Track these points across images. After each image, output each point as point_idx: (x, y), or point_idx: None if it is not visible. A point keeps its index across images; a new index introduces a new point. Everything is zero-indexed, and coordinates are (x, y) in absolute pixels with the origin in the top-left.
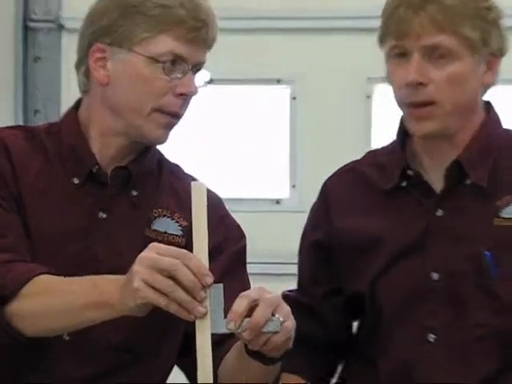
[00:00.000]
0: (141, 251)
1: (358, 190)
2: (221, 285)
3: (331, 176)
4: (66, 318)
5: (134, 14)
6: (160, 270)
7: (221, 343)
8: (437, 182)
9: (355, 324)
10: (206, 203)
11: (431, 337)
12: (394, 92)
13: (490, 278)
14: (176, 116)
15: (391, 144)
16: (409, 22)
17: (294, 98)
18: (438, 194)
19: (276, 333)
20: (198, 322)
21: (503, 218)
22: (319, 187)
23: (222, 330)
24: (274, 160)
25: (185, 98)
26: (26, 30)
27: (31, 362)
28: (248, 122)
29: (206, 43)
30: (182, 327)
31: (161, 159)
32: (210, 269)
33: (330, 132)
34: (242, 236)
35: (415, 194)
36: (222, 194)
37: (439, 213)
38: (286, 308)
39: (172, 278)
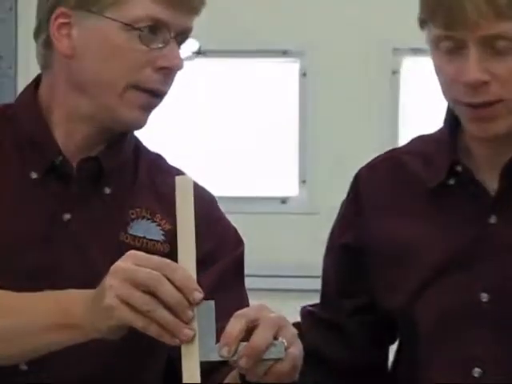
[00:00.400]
0: (115, 261)
1: (397, 186)
2: (212, 302)
3: (365, 166)
4: (22, 343)
5: None
6: (137, 284)
7: (212, 372)
8: (492, 183)
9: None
10: (192, 202)
11: (476, 371)
12: (444, 88)
13: None
14: (156, 94)
15: (439, 130)
16: (464, 7)
17: (303, 74)
18: (493, 196)
19: (279, 360)
20: (184, 347)
21: None
22: (335, 183)
23: (214, 356)
24: (279, 150)
25: (166, 72)
26: None
27: None
28: (249, 104)
29: (192, 6)
30: (165, 352)
31: (138, 148)
32: (200, 282)
33: (348, 115)
34: (239, 242)
35: (465, 195)
36: (217, 191)
37: (493, 219)
38: (292, 330)
39: (152, 293)
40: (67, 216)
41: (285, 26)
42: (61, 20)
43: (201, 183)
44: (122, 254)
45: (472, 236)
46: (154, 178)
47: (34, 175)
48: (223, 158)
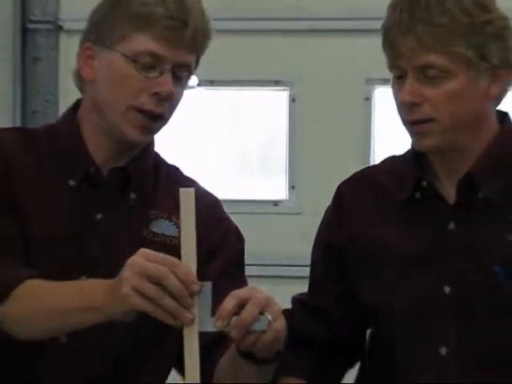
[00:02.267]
0: (132, 254)
1: (373, 198)
2: (209, 283)
3: (346, 180)
4: (55, 322)
5: (118, 11)
6: (148, 276)
7: (217, 344)
8: (450, 195)
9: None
10: (194, 210)
11: (443, 350)
12: (397, 108)
13: (501, 292)
14: (154, 117)
15: (407, 151)
16: (399, 44)
17: (293, 100)
18: (451, 207)
19: (264, 332)
20: (185, 329)
21: None
22: (318, 189)
23: (210, 328)
24: (273, 162)
25: (160, 97)
26: (25, 31)
27: (27, 364)
28: (248, 124)
29: (187, 44)
30: (175, 332)
31: (158, 160)
32: (208, 269)
33: (330, 134)
34: (240, 239)
35: (429, 205)
36: (221, 195)
37: (451, 226)
38: (277, 308)
39: (160, 284)
40: (99, 216)
41: (277, 61)
42: (87, 53)
43: (208, 188)
44: (144, 247)
45: (435, 239)
46: (171, 186)
47: (71, 183)
48: (225, 167)
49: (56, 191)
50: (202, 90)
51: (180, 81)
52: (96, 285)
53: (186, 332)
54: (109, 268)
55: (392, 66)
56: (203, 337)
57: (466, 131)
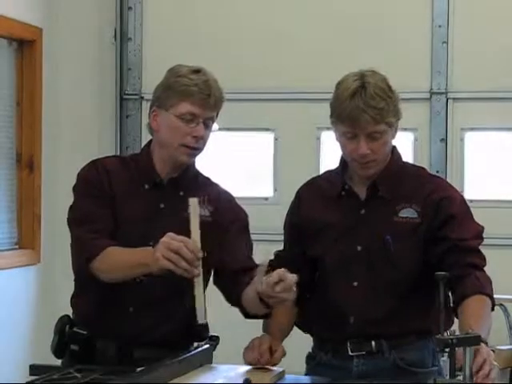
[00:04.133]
0: (185, 228)
1: (317, 195)
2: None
3: (302, 186)
4: (124, 271)
5: (170, 90)
6: (171, 249)
7: (244, 272)
8: (362, 194)
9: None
10: (198, 212)
11: (355, 283)
12: (345, 154)
13: (389, 251)
14: (194, 149)
15: (336, 168)
16: (359, 119)
17: (276, 139)
18: (362, 200)
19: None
20: (195, 279)
21: (399, 216)
22: (289, 192)
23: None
24: (264, 177)
25: (197, 139)
26: (122, 100)
27: (111, 300)
28: (245, 157)
29: (211, 106)
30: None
31: (197, 172)
32: (226, 237)
33: (296, 159)
34: (246, 215)
35: (349, 199)
36: (234, 191)
37: (362, 211)
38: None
39: (179, 253)
40: (162, 205)
41: (267, 116)
42: (154, 113)
43: (226, 188)
44: (187, 224)
45: (353, 219)
46: (205, 187)
47: (146, 186)
48: (230, 177)
49: (138, 192)
50: (224, 133)
51: (208, 127)
52: (148, 251)
53: (195, 281)
54: (162, 234)
55: (346, 131)
56: (234, 265)
57: (384, 162)
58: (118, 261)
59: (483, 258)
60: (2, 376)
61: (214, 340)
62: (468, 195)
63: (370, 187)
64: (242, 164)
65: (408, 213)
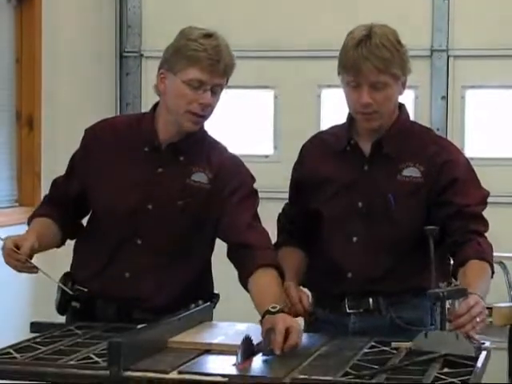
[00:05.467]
0: (183, 194)
1: (321, 150)
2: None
3: (308, 141)
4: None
5: (179, 53)
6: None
7: (244, 249)
8: (367, 150)
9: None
10: None
11: (355, 239)
12: (350, 105)
13: (391, 208)
14: (200, 116)
15: (342, 123)
16: (362, 68)
17: (276, 97)
18: (367, 157)
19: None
20: (39, 273)
21: (403, 175)
22: (290, 149)
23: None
24: (265, 134)
25: (203, 106)
26: (122, 57)
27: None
28: (246, 115)
29: (220, 73)
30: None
31: (204, 136)
32: (231, 201)
33: (296, 117)
34: (251, 181)
35: (353, 154)
36: (234, 151)
37: (366, 168)
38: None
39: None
40: (160, 170)
41: (267, 75)
42: (162, 76)
43: (232, 151)
44: (186, 190)
45: (355, 175)
46: (208, 152)
47: (146, 149)
48: (233, 135)
49: (138, 154)
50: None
51: (215, 94)
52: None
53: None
54: (164, 200)
55: (350, 80)
56: (232, 239)
57: (389, 117)
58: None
59: (486, 224)
60: (4, 333)
61: (214, 298)
62: (468, 153)
63: (374, 144)
64: (242, 122)
65: (411, 172)
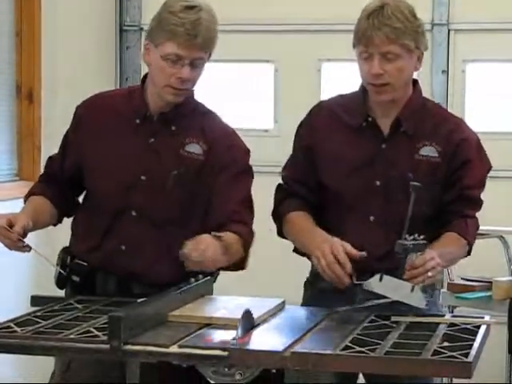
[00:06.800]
0: (176, 164)
1: (334, 124)
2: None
3: (314, 110)
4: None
5: (159, 26)
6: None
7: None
8: (385, 127)
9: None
10: None
11: (372, 218)
12: (362, 77)
13: (408, 188)
14: (179, 89)
15: (353, 94)
16: (372, 37)
17: (276, 70)
18: (385, 135)
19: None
20: (32, 252)
21: (420, 154)
22: (289, 123)
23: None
24: (265, 108)
25: (182, 80)
26: (122, 31)
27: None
28: (246, 89)
29: (198, 48)
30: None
31: (196, 106)
32: (219, 179)
33: (297, 91)
34: (245, 155)
35: (371, 132)
36: (233, 125)
37: (383, 146)
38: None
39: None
40: (152, 139)
41: (267, 48)
42: (146, 47)
43: (226, 121)
44: (179, 160)
45: (373, 153)
46: (202, 122)
47: (137, 121)
48: (234, 108)
49: (129, 126)
50: (224, 64)
51: (196, 67)
52: (24, 212)
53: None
54: (157, 170)
55: (362, 51)
56: (212, 221)
57: (402, 91)
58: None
59: (481, 205)
60: (5, 307)
61: (215, 272)
62: None
63: (393, 122)
64: (242, 96)
65: (429, 151)
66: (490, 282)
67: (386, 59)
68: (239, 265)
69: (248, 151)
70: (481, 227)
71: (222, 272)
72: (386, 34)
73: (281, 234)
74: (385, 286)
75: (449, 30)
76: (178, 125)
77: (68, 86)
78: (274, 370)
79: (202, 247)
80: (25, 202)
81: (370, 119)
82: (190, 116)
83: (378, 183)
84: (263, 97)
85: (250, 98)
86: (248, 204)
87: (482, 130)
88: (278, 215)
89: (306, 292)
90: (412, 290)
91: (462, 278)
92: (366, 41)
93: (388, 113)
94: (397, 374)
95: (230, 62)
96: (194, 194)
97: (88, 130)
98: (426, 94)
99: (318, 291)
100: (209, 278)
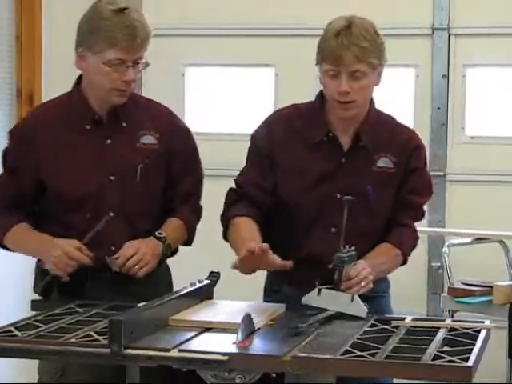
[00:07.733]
0: (135, 157)
1: (292, 136)
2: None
3: (270, 120)
4: (28, 254)
5: (94, 34)
6: (68, 257)
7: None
8: (345, 142)
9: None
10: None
11: (333, 229)
12: (327, 94)
13: (370, 200)
14: (125, 91)
15: (311, 107)
16: (341, 56)
17: (276, 75)
18: (345, 150)
19: None
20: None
21: (377, 166)
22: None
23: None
24: (262, 111)
25: (127, 81)
26: None
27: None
28: (246, 94)
29: (138, 49)
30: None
31: (135, 99)
32: (174, 168)
33: (297, 95)
34: (190, 135)
35: (331, 146)
36: (227, 130)
37: (343, 160)
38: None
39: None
40: (108, 141)
41: (267, 52)
42: (80, 54)
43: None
44: (140, 153)
45: (333, 166)
46: (146, 112)
47: (87, 127)
48: (231, 110)
49: (81, 133)
50: (224, 68)
51: (137, 65)
52: (45, 243)
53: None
54: (123, 167)
55: (328, 69)
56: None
57: (364, 107)
58: (20, 244)
59: (422, 215)
60: (5, 311)
61: (215, 276)
62: (469, 132)
63: (354, 137)
64: (243, 100)
65: (384, 162)
66: (491, 287)
67: (352, 78)
68: (185, 244)
69: (190, 132)
70: (481, 231)
71: (220, 275)
72: (354, 53)
73: (225, 237)
74: (324, 299)
75: (449, 35)
76: (127, 121)
77: (68, 89)
78: (274, 374)
79: (134, 248)
80: (2, 240)
81: (330, 134)
82: (134, 109)
83: (338, 196)
84: (263, 101)
85: (251, 103)
86: (197, 188)
87: (482, 135)
88: (226, 219)
89: (269, 299)
90: (352, 299)
91: (462, 283)
92: (335, 60)
93: (347, 128)
94: (397, 378)
95: (230, 66)
96: (159, 183)
97: (44, 149)
98: (426, 98)
99: (285, 297)
100: (209, 282)
